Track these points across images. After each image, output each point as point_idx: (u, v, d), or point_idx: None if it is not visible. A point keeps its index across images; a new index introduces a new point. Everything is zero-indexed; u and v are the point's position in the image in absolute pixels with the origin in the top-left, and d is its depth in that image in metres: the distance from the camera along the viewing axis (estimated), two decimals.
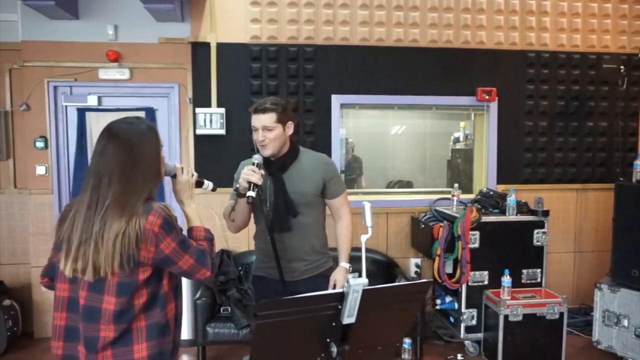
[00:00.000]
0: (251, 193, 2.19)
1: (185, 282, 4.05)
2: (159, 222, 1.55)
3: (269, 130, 2.32)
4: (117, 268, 1.51)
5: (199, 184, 1.89)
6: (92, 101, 4.25)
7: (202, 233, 1.76)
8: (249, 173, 2.22)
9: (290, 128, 2.42)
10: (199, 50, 4.26)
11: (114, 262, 1.50)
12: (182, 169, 1.80)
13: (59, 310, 1.61)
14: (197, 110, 4.23)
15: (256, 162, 2.28)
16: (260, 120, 2.33)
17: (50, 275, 1.71)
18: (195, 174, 1.86)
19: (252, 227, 4.24)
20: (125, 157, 1.56)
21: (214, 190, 2.00)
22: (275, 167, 2.40)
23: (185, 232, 1.71)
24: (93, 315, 1.54)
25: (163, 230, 1.56)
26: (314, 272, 2.49)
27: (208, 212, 4.33)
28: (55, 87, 4.22)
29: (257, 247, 2.58)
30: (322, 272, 2.51)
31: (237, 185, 2.29)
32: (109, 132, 1.61)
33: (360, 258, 1.88)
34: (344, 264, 2.53)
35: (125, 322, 1.55)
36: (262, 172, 2.27)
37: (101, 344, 1.53)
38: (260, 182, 2.23)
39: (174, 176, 1.79)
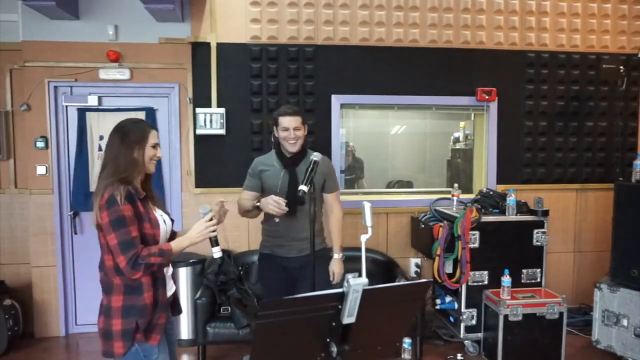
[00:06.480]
0: (304, 188, 2.46)
1: (185, 282, 4.06)
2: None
3: (297, 129, 2.80)
4: None
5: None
6: (92, 101, 4.25)
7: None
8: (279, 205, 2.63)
9: (306, 129, 2.90)
10: (199, 50, 4.26)
11: None
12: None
13: None
14: (197, 110, 4.23)
15: (314, 159, 2.55)
16: (292, 121, 2.79)
17: None
18: None
19: (251, 228, 4.21)
20: None
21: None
22: (289, 162, 2.84)
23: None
24: None
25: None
26: (310, 250, 2.71)
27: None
28: (55, 87, 4.23)
29: (264, 229, 2.97)
30: (317, 251, 2.73)
31: (255, 201, 2.77)
32: None
33: (360, 258, 1.87)
34: (337, 256, 2.96)
35: None
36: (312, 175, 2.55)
37: None
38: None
39: None
